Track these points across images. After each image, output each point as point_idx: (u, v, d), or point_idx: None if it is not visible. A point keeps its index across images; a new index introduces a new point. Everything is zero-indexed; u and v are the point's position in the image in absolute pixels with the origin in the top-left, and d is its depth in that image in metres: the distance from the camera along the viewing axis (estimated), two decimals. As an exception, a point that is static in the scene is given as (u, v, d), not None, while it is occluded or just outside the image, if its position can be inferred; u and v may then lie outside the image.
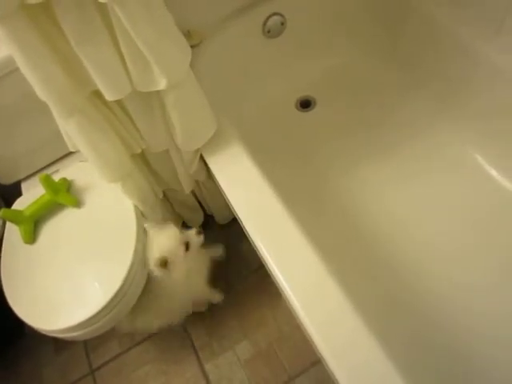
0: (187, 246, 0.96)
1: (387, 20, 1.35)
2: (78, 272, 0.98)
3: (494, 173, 1.16)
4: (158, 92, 0.82)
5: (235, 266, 1.38)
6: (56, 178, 1.09)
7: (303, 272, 0.77)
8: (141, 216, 1.03)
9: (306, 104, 1.47)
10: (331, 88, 1.47)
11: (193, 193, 1.24)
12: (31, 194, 1.11)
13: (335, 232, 1.15)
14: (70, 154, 1.23)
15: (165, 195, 1.23)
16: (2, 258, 1.05)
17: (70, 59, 0.72)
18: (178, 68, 0.77)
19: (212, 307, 1.29)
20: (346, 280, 0.75)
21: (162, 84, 0.76)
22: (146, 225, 1.00)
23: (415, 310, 1.02)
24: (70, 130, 0.83)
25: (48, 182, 1.03)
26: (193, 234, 0.97)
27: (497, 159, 1.16)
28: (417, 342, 0.97)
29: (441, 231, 1.12)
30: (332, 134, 1.38)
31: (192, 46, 0.84)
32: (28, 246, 1.04)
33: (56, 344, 1.38)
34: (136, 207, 1.02)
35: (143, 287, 1.00)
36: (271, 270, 0.79)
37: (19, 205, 1.12)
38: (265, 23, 1.32)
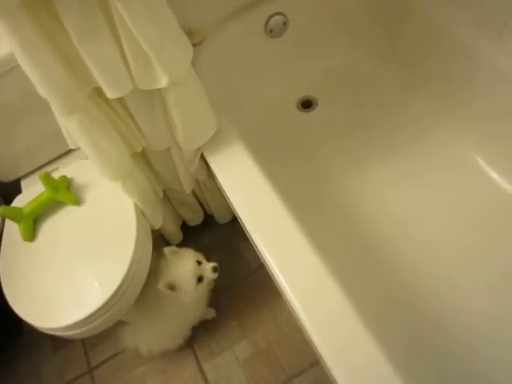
0: (200, 278, 0.99)
1: (387, 20, 1.35)
2: (77, 270, 0.98)
3: (494, 175, 1.15)
4: (159, 90, 0.82)
5: (235, 266, 1.38)
6: (56, 175, 1.09)
7: (303, 272, 0.76)
8: (141, 215, 1.03)
9: (307, 104, 1.47)
10: (332, 88, 1.47)
11: (193, 192, 1.24)
12: (31, 192, 1.11)
13: (335, 232, 1.15)
14: (70, 151, 1.23)
15: (165, 194, 1.22)
16: (1, 255, 1.05)
17: (72, 56, 0.72)
18: (179, 66, 0.77)
19: (211, 306, 1.29)
20: (346, 280, 0.75)
21: (163, 82, 0.76)
22: (165, 249, 1.01)
23: (415, 310, 1.02)
24: (71, 128, 0.82)
25: (48, 179, 1.03)
26: (208, 270, 0.99)
27: (498, 162, 1.16)
28: (416, 342, 0.96)
29: (441, 232, 1.12)
30: (333, 134, 1.38)
31: (193, 45, 0.83)
32: (27, 243, 1.04)
33: (54, 342, 1.38)
34: (136, 206, 1.02)
35: (149, 303, 1.04)
36: (271, 269, 0.79)
37: (18, 202, 1.11)
38: (267, 23, 1.32)
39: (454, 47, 1.14)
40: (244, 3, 1.27)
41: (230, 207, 1.17)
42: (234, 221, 1.36)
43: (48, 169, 1.20)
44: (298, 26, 1.36)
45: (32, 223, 1.05)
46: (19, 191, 1.20)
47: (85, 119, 0.80)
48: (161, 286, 0.96)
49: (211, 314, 1.28)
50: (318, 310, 0.72)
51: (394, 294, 1.04)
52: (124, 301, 0.93)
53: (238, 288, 1.35)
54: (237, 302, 1.32)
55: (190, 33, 1.18)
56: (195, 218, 1.36)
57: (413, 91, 1.35)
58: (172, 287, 0.97)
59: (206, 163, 1.04)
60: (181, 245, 1.37)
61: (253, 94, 1.43)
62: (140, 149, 0.96)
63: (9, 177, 1.23)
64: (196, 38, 1.20)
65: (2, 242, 1.07)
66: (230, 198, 0.91)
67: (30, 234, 1.03)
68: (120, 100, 0.85)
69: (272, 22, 1.33)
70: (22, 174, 1.24)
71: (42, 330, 0.94)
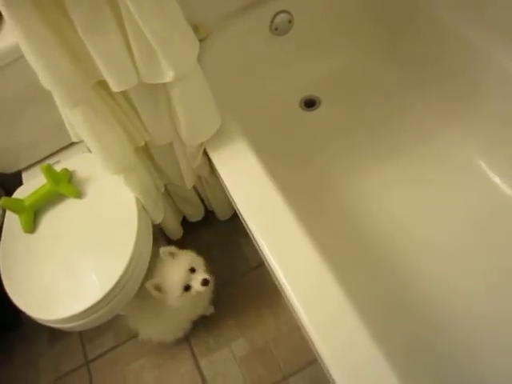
0: (188, 287, 0.96)
1: (394, 21, 1.34)
2: (77, 263, 0.98)
3: (497, 180, 1.15)
4: (164, 85, 0.81)
5: (234, 263, 1.38)
6: (57, 168, 1.09)
7: (304, 270, 0.76)
8: (142, 209, 1.03)
9: (310, 103, 1.47)
10: (336, 88, 1.47)
11: (194, 188, 1.24)
12: (32, 184, 1.11)
13: (335, 232, 1.15)
14: (72, 145, 1.23)
15: (166, 189, 1.22)
16: (1, 246, 1.05)
17: (77, 49, 0.72)
18: (185, 60, 0.77)
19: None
20: (346, 280, 0.75)
21: (168, 76, 0.75)
22: (161, 249, 0.99)
23: (415, 311, 1.02)
24: (75, 120, 0.82)
25: (49, 171, 1.03)
26: (198, 281, 0.95)
27: (501, 166, 1.15)
28: (416, 344, 0.96)
29: (441, 233, 1.12)
30: (336, 133, 1.37)
31: (198, 41, 0.83)
32: (27, 235, 1.04)
33: (52, 334, 1.38)
34: (138, 200, 1.02)
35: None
36: (272, 267, 0.79)
37: (19, 194, 1.11)
38: (272, 20, 1.32)
39: (462, 50, 1.13)
40: (249, 0, 1.27)
41: (230, 204, 1.17)
42: (235, 218, 1.36)
43: (50, 161, 1.20)
44: (303, 24, 1.36)
45: (33, 215, 1.05)
46: (20, 183, 1.20)
47: (88, 111, 0.79)
48: (148, 285, 0.95)
49: (209, 310, 1.28)
50: (318, 308, 0.72)
51: (393, 295, 1.04)
52: (123, 295, 0.93)
53: (237, 285, 1.35)
54: (235, 300, 1.32)
55: (195, 28, 1.18)
56: (196, 214, 1.36)
57: (416, 93, 1.35)
58: (158, 289, 0.96)
59: (209, 159, 1.03)
60: (181, 240, 1.38)
61: (256, 91, 1.43)
62: (143, 143, 0.96)
63: (10, 168, 1.23)
64: (201, 33, 1.20)
65: (3, 234, 1.07)
66: (232, 195, 0.91)
67: (31, 226, 1.03)
68: (124, 93, 0.85)
69: (277, 19, 1.32)
70: (23, 166, 1.24)
71: (40, 322, 0.94)
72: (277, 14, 1.30)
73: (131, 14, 0.66)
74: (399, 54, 1.38)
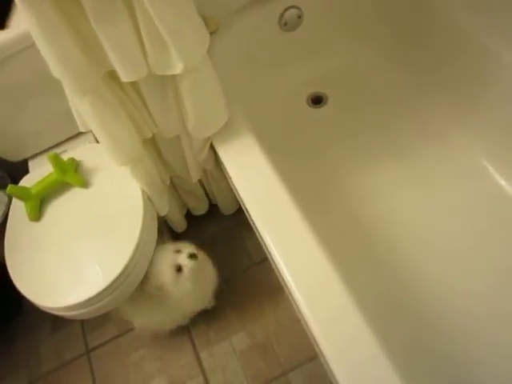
0: (179, 268, 0.96)
1: (407, 23, 1.33)
2: (82, 252, 0.98)
3: (503, 182, 1.15)
4: (173, 76, 0.81)
5: (237, 257, 1.38)
6: (64, 157, 1.09)
7: (308, 266, 0.76)
8: (148, 201, 1.03)
9: (317, 100, 1.47)
10: (344, 86, 1.46)
11: (200, 182, 1.24)
12: (38, 173, 1.11)
13: (339, 230, 1.15)
14: (79, 135, 1.23)
15: (172, 182, 1.22)
16: (7, 234, 1.05)
17: (88, 38, 0.72)
18: (195, 52, 0.77)
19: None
20: (348, 278, 0.75)
21: (178, 68, 0.75)
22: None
23: (415, 311, 1.02)
24: (84, 110, 0.82)
25: (56, 160, 1.03)
26: (184, 258, 0.95)
27: (507, 169, 1.15)
28: (416, 344, 0.96)
29: (444, 234, 1.12)
30: (341, 132, 1.37)
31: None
32: (33, 223, 1.04)
33: (54, 323, 1.39)
34: (144, 192, 1.02)
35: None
36: (276, 262, 0.79)
37: (25, 182, 1.12)
38: (282, 15, 1.31)
39: (475, 53, 1.12)
40: (259, -5, 1.26)
41: (235, 198, 1.17)
42: (239, 212, 1.36)
43: (56, 151, 1.19)
44: (313, 20, 1.35)
45: (39, 203, 1.05)
46: (26, 172, 1.20)
47: (97, 101, 0.79)
48: (151, 290, 0.98)
49: (210, 303, 1.28)
50: (321, 305, 0.72)
51: (393, 295, 1.04)
52: (127, 285, 0.94)
53: (238, 279, 1.35)
54: (237, 293, 1.32)
55: (204, 20, 1.17)
56: (200, 208, 1.36)
57: (425, 95, 1.33)
58: (159, 288, 0.96)
59: (215, 153, 1.04)
60: (184, 233, 1.38)
61: (263, 86, 1.43)
62: (150, 135, 0.96)
63: (17, 157, 1.23)
64: (210, 26, 1.20)
65: (8, 222, 1.08)
66: (238, 189, 0.91)
67: (37, 215, 1.04)
68: (133, 84, 0.85)
69: (287, 14, 1.32)
70: (29, 154, 1.24)
71: (44, 310, 0.95)
72: (286, 9, 1.30)
73: (143, 5, 0.66)
74: (409, 56, 1.37)
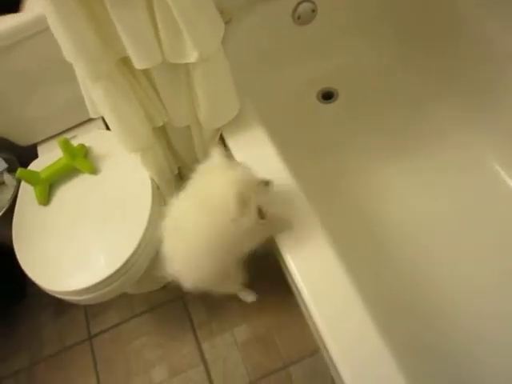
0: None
1: (421, 25, 1.32)
2: (89, 238, 0.99)
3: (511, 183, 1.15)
4: (186, 65, 0.81)
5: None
6: (73, 143, 1.09)
7: (315, 263, 0.76)
8: (156, 189, 1.03)
9: (327, 96, 1.46)
10: (355, 83, 1.46)
11: (207, 173, 1.24)
12: (47, 158, 1.12)
13: (346, 227, 1.14)
14: (88, 121, 1.24)
15: (179, 172, 1.22)
16: (15, 217, 1.06)
17: (104, 23, 0.71)
18: (210, 42, 0.77)
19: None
20: (354, 276, 0.75)
21: (193, 57, 0.75)
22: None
23: (417, 311, 1.02)
24: (96, 95, 0.82)
25: (66, 146, 1.03)
26: (261, 184, 0.71)
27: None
28: (418, 344, 0.96)
29: (453, 234, 1.12)
30: (350, 129, 1.36)
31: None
32: (41, 207, 1.05)
33: (57, 307, 1.41)
34: (152, 180, 1.02)
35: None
36: (283, 256, 0.79)
37: (34, 167, 1.12)
38: (295, 9, 1.31)
39: (500, 59, 1.11)
40: (273, -13, 1.25)
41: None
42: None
43: (66, 136, 1.20)
44: (327, 15, 1.34)
45: (48, 188, 1.06)
46: (35, 156, 1.21)
47: (110, 86, 0.79)
48: (232, 202, 0.65)
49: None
50: (328, 301, 0.72)
51: (395, 295, 1.04)
52: (133, 272, 0.94)
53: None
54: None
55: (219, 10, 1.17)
56: (206, 199, 1.36)
57: (437, 98, 1.33)
58: (243, 201, 0.66)
59: (225, 145, 1.03)
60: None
61: (274, 79, 1.42)
62: (161, 123, 0.96)
63: (26, 141, 1.24)
64: (224, 17, 1.19)
65: (17, 205, 1.09)
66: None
67: (45, 199, 1.04)
68: (146, 72, 0.85)
69: (300, 8, 1.31)
70: (39, 139, 1.24)
71: (51, 293, 0.95)
72: (300, 2, 1.29)
73: (160, -9, 0.66)
74: (422, 59, 1.36)
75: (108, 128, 1.02)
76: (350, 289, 0.72)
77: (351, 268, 0.76)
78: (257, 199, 0.68)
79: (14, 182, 1.22)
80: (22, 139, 1.23)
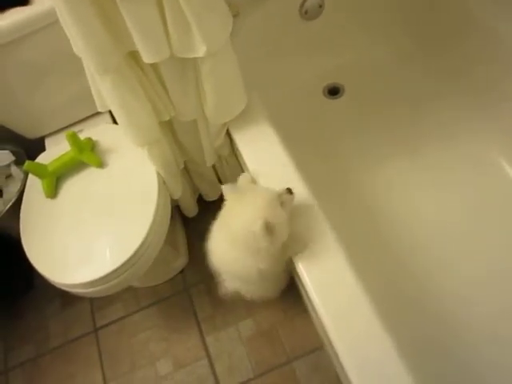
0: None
1: (429, 25, 1.31)
2: (96, 231, 0.99)
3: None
4: (194, 60, 0.81)
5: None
6: (81, 137, 1.09)
7: (323, 261, 0.76)
8: (162, 183, 1.03)
9: (334, 91, 1.45)
10: (362, 79, 1.45)
11: (213, 167, 1.24)
12: (54, 151, 1.12)
13: (352, 223, 1.14)
14: (95, 115, 1.24)
15: (185, 167, 1.23)
16: (22, 209, 1.07)
17: (113, 17, 0.71)
18: (219, 36, 0.76)
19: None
20: (360, 273, 0.75)
21: (201, 51, 0.75)
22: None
23: (420, 310, 1.02)
24: (104, 88, 0.82)
25: (74, 139, 1.04)
26: (285, 194, 0.75)
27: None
28: (420, 344, 0.95)
29: (460, 233, 1.12)
30: (356, 125, 1.36)
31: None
32: (48, 200, 1.05)
33: (63, 299, 1.42)
34: (159, 174, 1.02)
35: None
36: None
37: (42, 160, 1.13)
38: (303, 4, 1.30)
39: (495, 58, 1.11)
40: (282, -18, 1.25)
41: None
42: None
43: (73, 130, 1.21)
44: (334, 11, 1.33)
45: (55, 181, 1.06)
46: (42, 149, 1.21)
47: (118, 80, 0.80)
48: (258, 230, 0.68)
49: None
50: (334, 298, 0.72)
51: (395, 295, 1.04)
52: (139, 265, 0.95)
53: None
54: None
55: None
56: (212, 193, 1.36)
57: (447, 97, 1.32)
58: (269, 228, 0.69)
59: (231, 139, 1.03)
60: (195, 218, 1.39)
61: (281, 74, 1.41)
62: (168, 117, 0.96)
63: (34, 134, 1.25)
64: (230, 10, 1.18)
65: (24, 198, 1.09)
66: (253, 176, 0.91)
67: (53, 192, 1.05)
68: (154, 66, 0.85)
69: (308, 3, 1.30)
70: (46, 132, 1.25)
71: (58, 286, 0.96)
72: (308, -3, 1.28)
73: (170, -16, 0.65)
74: (429, 59, 1.36)
75: (115, 122, 1.02)
76: (356, 287, 0.72)
77: (358, 266, 0.76)
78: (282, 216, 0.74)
79: (22, 175, 1.23)
80: (30, 132, 1.24)
